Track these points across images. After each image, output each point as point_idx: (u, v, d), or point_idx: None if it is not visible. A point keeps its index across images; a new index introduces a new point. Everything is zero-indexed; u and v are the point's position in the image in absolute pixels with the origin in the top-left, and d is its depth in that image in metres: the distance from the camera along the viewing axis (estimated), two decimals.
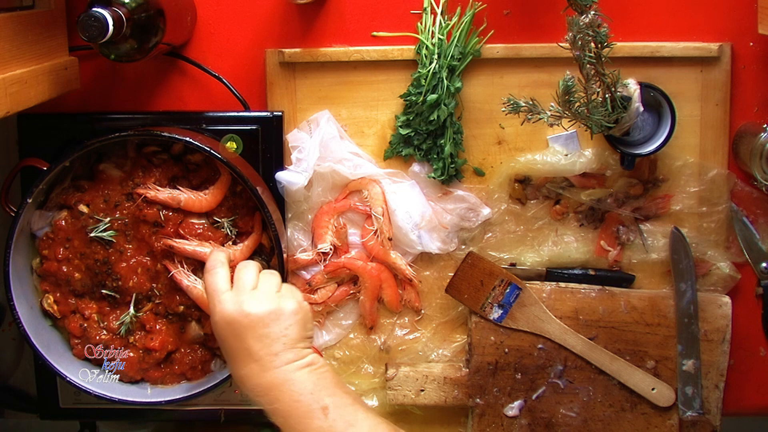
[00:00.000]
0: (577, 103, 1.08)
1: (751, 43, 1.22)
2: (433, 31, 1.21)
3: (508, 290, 1.23)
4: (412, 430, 1.29)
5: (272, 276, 1.08)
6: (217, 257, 1.08)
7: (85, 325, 1.18)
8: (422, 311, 1.28)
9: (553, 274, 1.26)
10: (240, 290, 1.03)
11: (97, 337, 1.18)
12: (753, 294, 1.28)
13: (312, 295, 1.26)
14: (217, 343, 1.05)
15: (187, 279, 1.16)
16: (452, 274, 1.24)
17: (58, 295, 1.18)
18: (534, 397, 1.25)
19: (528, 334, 1.23)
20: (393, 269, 1.26)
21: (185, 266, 1.17)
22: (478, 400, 1.25)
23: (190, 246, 1.16)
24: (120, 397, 1.16)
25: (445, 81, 1.19)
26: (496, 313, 1.23)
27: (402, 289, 1.28)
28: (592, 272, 1.25)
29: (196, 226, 1.17)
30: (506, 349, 1.24)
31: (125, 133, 1.13)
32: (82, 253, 1.17)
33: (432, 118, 1.21)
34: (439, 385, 1.25)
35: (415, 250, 1.25)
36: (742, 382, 1.28)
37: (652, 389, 1.23)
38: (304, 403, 0.96)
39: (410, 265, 1.26)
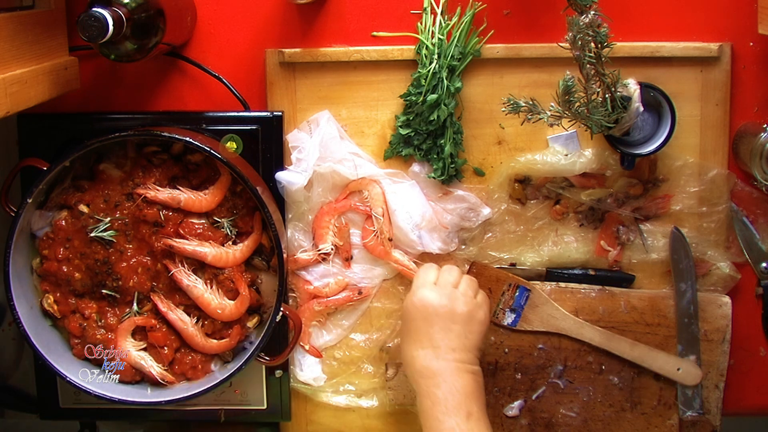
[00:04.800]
0: (577, 103, 1.08)
1: (751, 43, 1.22)
2: (433, 31, 1.21)
3: (517, 293, 1.23)
4: (412, 430, 1.29)
5: (472, 282, 1.16)
6: (430, 266, 1.18)
7: (85, 325, 1.18)
8: None
9: (553, 274, 1.26)
10: (443, 286, 1.12)
11: (97, 337, 1.18)
12: (753, 294, 1.28)
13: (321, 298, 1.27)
14: (401, 319, 1.16)
15: (187, 279, 1.16)
16: None
17: (58, 295, 1.18)
18: (534, 397, 1.25)
19: (528, 334, 1.23)
20: (396, 267, 1.26)
21: (185, 266, 1.17)
22: None
23: (190, 246, 1.16)
24: (120, 397, 1.16)
25: (445, 81, 1.19)
26: (509, 318, 1.23)
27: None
28: (592, 272, 1.25)
29: (196, 226, 1.17)
30: (506, 349, 1.24)
31: (125, 133, 1.13)
32: (82, 253, 1.17)
33: (432, 118, 1.21)
34: None
35: (416, 250, 1.25)
36: (742, 382, 1.28)
37: (678, 369, 1.22)
38: (456, 400, 1.03)
39: (414, 261, 1.26)
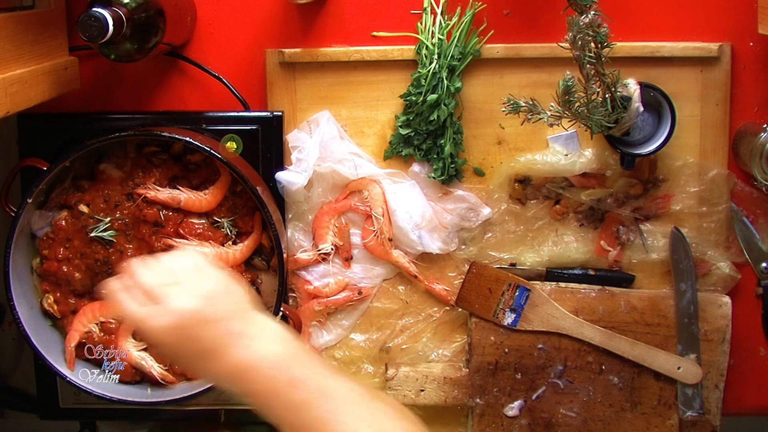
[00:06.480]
0: (577, 103, 1.08)
1: (751, 43, 1.22)
2: (433, 31, 1.21)
3: (517, 293, 1.23)
4: None
5: (178, 255, 0.92)
6: (107, 286, 0.91)
7: None
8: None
9: (553, 274, 1.26)
10: (158, 298, 0.86)
11: (97, 337, 1.18)
12: (753, 294, 1.28)
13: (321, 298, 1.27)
14: (173, 358, 0.93)
15: None
16: (457, 282, 1.25)
17: (58, 295, 1.18)
18: (534, 397, 1.25)
19: (528, 333, 1.23)
20: (396, 267, 1.27)
21: None
22: (478, 400, 1.25)
23: (191, 246, 1.16)
24: (120, 397, 1.16)
25: (445, 81, 1.19)
26: (509, 318, 1.23)
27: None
28: (592, 272, 1.25)
29: (196, 226, 1.17)
30: (506, 349, 1.24)
31: (125, 133, 1.13)
32: (82, 253, 1.17)
33: (432, 118, 1.20)
34: (439, 385, 1.25)
35: (416, 250, 1.25)
36: (742, 382, 1.29)
37: (678, 368, 1.22)
38: (278, 378, 0.85)
39: (413, 262, 1.26)
